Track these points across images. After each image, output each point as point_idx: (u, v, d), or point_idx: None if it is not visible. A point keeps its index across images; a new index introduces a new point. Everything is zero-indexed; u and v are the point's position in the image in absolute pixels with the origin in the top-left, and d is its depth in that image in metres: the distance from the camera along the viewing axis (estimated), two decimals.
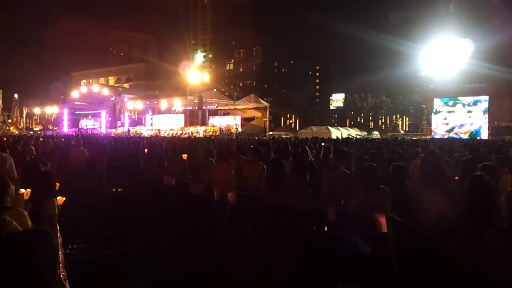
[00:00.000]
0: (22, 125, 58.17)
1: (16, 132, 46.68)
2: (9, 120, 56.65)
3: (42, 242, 1.40)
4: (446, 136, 41.00)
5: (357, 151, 9.97)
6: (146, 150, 10.79)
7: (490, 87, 42.87)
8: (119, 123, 50.46)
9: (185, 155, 9.16)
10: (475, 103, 43.02)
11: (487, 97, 42.47)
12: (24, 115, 59.71)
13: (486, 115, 42.22)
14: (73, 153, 10.16)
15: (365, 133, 54.37)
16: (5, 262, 1.33)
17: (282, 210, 5.36)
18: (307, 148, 8.01)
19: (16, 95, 59.39)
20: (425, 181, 4.63)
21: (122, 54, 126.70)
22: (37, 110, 59.90)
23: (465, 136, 40.46)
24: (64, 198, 4.35)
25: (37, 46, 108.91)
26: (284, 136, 33.85)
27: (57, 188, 4.51)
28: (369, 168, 4.92)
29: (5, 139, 16.59)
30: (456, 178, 4.99)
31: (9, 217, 2.67)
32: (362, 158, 6.41)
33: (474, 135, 41.27)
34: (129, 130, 44.15)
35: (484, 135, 41.02)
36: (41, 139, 16.31)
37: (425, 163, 4.86)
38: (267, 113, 53.73)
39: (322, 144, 9.37)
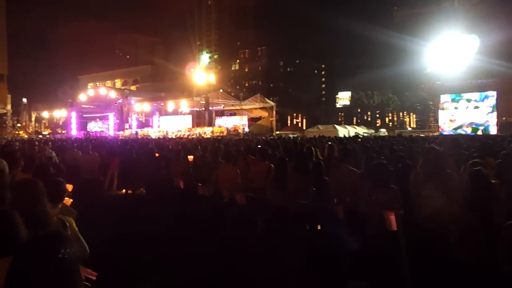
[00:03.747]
0: (31, 129, 58.52)
1: (26, 136, 47.01)
2: (18, 125, 57.03)
3: (66, 244, 1.46)
4: (454, 133, 40.64)
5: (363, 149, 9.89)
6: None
7: (498, 82, 42.41)
8: (127, 126, 50.70)
9: (191, 157, 9.13)
10: (482, 98, 42.61)
11: (494, 93, 41.93)
12: (33, 119, 60.10)
13: (494, 111, 41.77)
14: (83, 159, 10.10)
15: (372, 131, 54.12)
16: (44, 258, 1.42)
17: (287, 209, 5.41)
18: (313, 147, 8.02)
19: (24, 100, 59.73)
20: (425, 177, 4.58)
21: (128, 56, 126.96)
22: (45, 114, 60.36)
23: (472, 132, 40.11)
24: (71, 200, 4.39)
25: (44, 50, 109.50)
26: (290, 136, 33.82)
27: (70, 190, 4.56)
28: (379, 166, 4.82)
29: (17, 143, 16.78)
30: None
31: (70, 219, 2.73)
32: (371, 156, 6.40)
33: (483, 131, 40.84)
34: (137, 132, 44.35)
35: (493, 131, 40.62)
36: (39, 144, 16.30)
37: (425, 159, 4.77)
38: (274, 112, 53.72)
39: (329, 143, 9.38)
